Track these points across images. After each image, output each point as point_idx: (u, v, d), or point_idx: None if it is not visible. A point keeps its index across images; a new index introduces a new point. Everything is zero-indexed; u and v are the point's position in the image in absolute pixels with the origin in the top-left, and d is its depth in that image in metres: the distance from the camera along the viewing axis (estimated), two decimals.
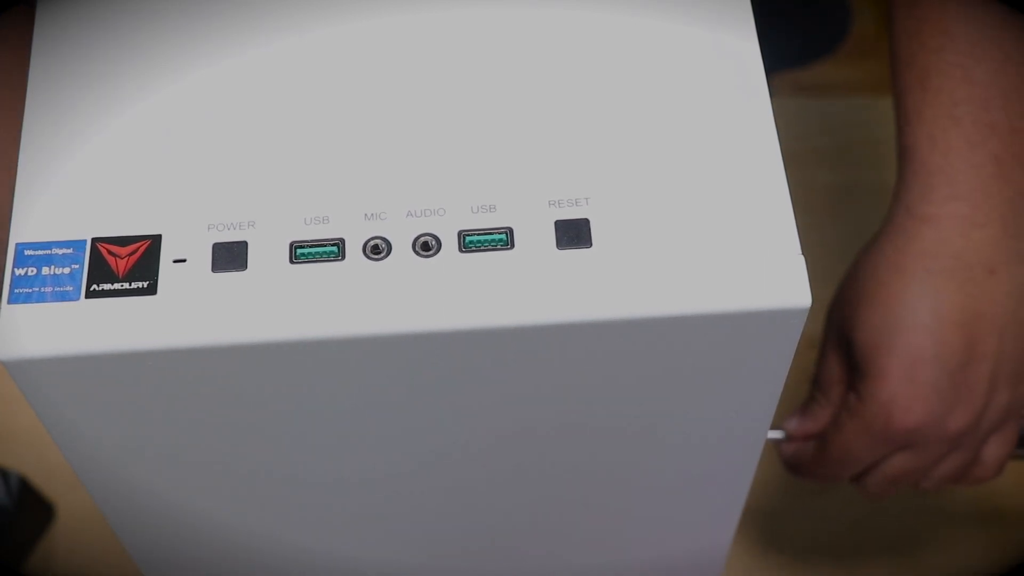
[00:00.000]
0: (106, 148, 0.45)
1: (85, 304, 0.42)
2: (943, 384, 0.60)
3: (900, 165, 0.62)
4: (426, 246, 0.43)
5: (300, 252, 0.43)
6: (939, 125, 0.60)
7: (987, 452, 0.65)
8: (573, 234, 0.43)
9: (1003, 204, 0.60)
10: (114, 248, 0.43)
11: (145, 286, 0.43)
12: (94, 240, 0.43)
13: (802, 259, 0.43)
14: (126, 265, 0.43)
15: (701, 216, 0.43)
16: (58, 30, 0.47)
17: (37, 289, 0.42)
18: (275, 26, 0.47)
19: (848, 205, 0.92)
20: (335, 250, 0.43)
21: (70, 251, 0.43)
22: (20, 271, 0.43)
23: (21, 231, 0.43)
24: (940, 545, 0.79)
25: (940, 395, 0.60)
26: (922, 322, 0.59)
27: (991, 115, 0.60)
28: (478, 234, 0.43)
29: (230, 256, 0.43)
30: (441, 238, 0.43)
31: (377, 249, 0.43)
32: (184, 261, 0.43)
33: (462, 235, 0.43)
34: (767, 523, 0.79)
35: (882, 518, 0.80)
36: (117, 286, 0.43)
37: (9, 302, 0.42)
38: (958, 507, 0.80)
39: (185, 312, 0.42)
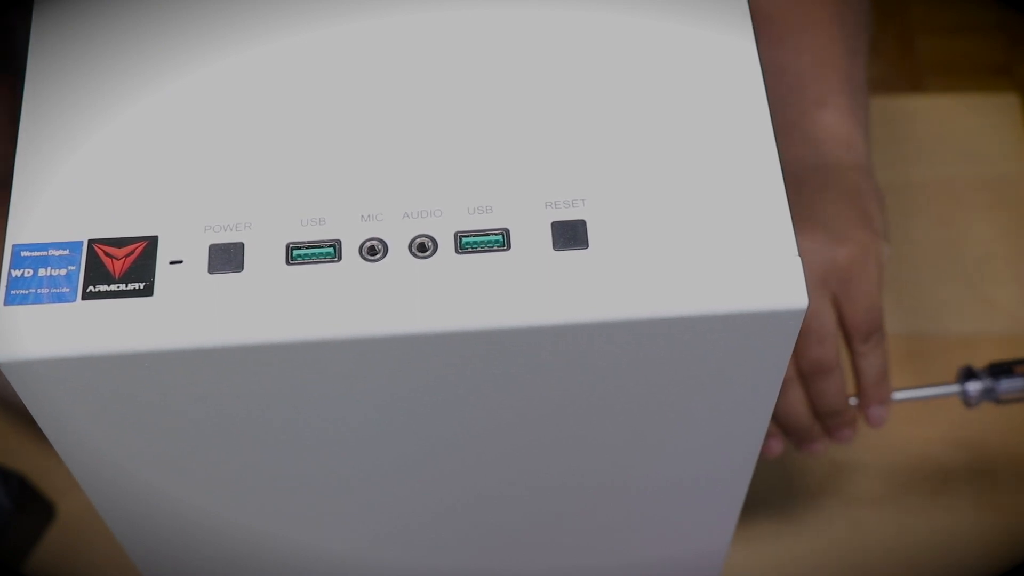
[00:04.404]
0: (102, 150, 0.45)
1: (82, 305, 0.42)
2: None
3: None
4: (422, 247, 0.43)
5: (296, 253, 0.43)
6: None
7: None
8: (570, 235, 0.43)
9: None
10: (110, 249, 0.43)
11: (141, 287, 0.43)
12: (90, 241, 0.43)
13: (799, 260, 0.43)
14: (122, 266, 0.43)
15: (698, 217, 0.43)
16: (55, 32, 0.47)
17: (34, 291, 0.42)
18: (271, 27, 0.47)
19: None
20: (331, 251, 0.43)
21: (66, 252, 0.43)
22: (16, 273, 0.43)
23: (17, 232, 0.43)
24: (940, 545, 0.79)
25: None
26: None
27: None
28: (474, 235, 0.43)
29: (226, 257, 0.43)
30: (437, 239, 0.43)
31: (373, 250, 0.43)
32: (180, 262, 0.43)
33: (458, 236, 0.43)
34: (766, 523, 0.79)
35: (882, 518, 0.79)
36: (113, 287, 0.43)
37: (5, 304, 0.42)
38: (959, 506, 0.80)
39: (181, 313, 0.42)
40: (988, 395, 0.70)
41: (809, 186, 0.70)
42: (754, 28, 0.75)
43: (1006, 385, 0.70)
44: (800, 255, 0.66)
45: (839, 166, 0.72)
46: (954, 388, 0.71)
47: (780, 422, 0.71)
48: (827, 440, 0.73)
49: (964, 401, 0.71)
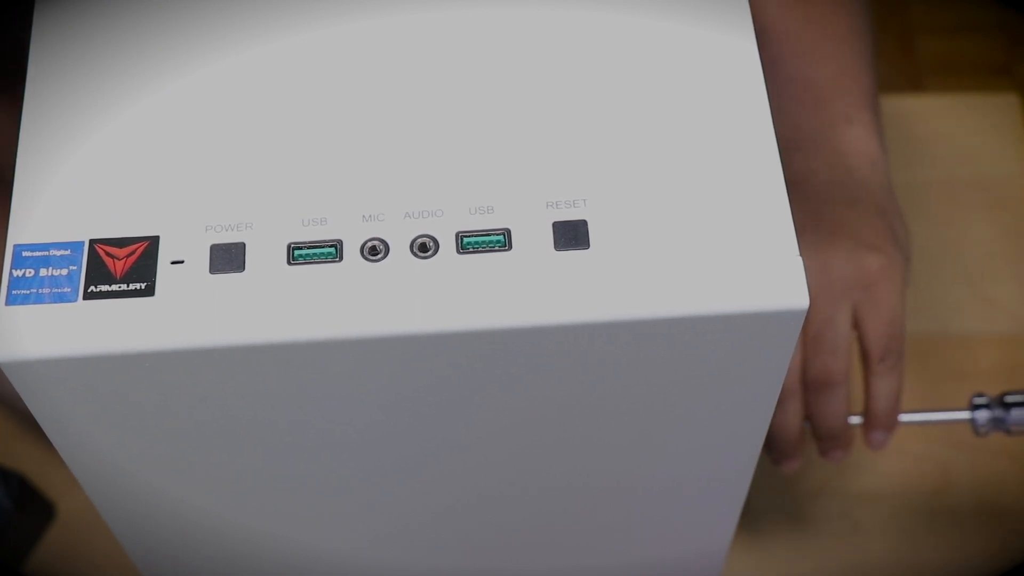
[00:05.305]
0: (104, 149, 0.45)
1: (83, 305, 0.42)
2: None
3: None
4: (424, 247, 0.43)
5: (298, 253, 0.43)
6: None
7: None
8: (571, 235, 0.43)
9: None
10: (112, 249, 0.43)
11: (143, 287, 0.43)
12: (92, 241, 0.43)
13: (800, 260, 0.43)
14: (124, 266, 0.43)
15: (699, 217, 0.43)
16: (56, 31, 0.47)
17: (35, 291, 0.42)
18: (272, 27, 0.47)
19: None
20: (333, 251, 0.43)
21: (68, 252, 0.43)
22: (18, 272, 0.43)
23: (19, 232, 0.43)
24: (940, 545, 0.79)
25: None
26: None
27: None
28: (476, 235, 0.43)
29: (228, 257, 0.43)
30: (439, 239, 0.43)
31: (375, 250, 0.43)
32: (182, 262, 0.43)
33: (460, 236, 0.43)
34: (766, 524, 0.79)
35: (882, 519, 0.79)
36: (115, 287, 0.43)
37: (7, 303, 0.42)
38: (959, 506, 0.80)
39: (183, 313, 0.42)
40: (998, 425, 0.69)
41: (837, 199, 0.70)
42: (773, 40, 0.75)
43: (1016, 416, 0.69)
44: (828, 263, 0.66)
45: (866, 184, 0.71)
46: (963, 415, 0.69)
47: (768, 433, 0.70)
48: (802, 459, 0.72)
49: (974, 430, 0.70)
